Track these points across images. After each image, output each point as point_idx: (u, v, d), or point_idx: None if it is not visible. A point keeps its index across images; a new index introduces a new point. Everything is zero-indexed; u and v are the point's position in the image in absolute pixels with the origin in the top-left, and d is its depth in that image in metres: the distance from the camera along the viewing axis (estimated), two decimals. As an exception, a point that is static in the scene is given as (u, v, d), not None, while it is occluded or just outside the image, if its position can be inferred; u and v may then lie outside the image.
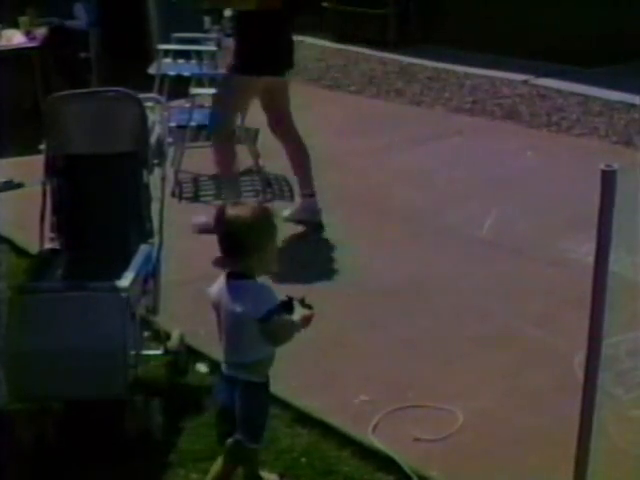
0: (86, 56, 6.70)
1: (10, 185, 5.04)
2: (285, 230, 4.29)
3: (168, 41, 6.39)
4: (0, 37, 6.65)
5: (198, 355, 3.33)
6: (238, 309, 2.34)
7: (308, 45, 9.47)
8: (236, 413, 2.39)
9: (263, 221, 2.41)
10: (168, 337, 3.35)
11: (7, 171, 5.28)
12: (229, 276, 2.40)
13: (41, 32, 6.77)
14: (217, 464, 2.54)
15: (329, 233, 4.59)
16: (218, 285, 2.43)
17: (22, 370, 2.83)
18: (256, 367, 2.41)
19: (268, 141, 5.31)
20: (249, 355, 2.40)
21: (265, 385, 2.46)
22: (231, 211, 2.38)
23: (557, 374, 3.15)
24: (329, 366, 3.31)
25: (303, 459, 2.81)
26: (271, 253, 2.42)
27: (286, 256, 3.36)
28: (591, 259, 2.21)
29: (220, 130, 4.55)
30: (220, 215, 2.40)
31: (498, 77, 7.75)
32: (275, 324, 2.33)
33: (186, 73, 6.10)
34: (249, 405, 2.40)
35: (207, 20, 6.52)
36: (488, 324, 3.58)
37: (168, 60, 6.42)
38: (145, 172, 3.26)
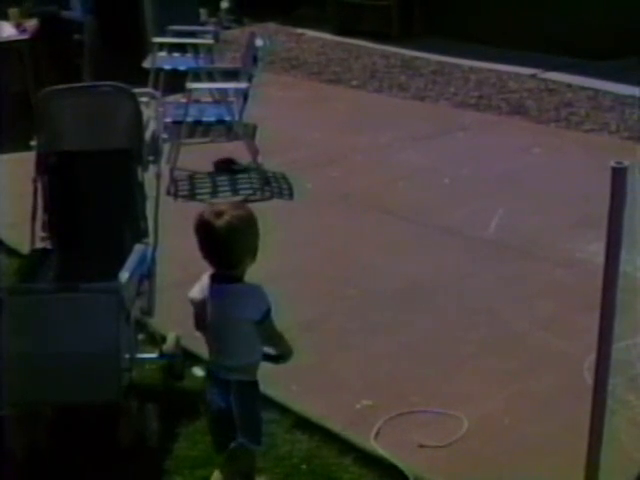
0: (80, 39, 6.58)
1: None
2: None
3: (163, 34, 6.31)
4: None
5: (194, 358, 3.29)
6: (237, 314, 2.29)
7: (308, 38, 9.44)
8: (234, 416, 2.35)
9: (250, 223, 2.30)
10: (163, 340, 3.32)
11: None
12: (215, 279, 2.31)
13: (32, 24, 6.59)
14: (216, 475, 2.47)
15: (330, 232, 4.52)
16: (201, 286, 2.34)
17: (12, 374, 2.76)
18: (247, 369, 2.39)
19: (267, 137, 5.25)
20: (244, 358, 2.37)
21: (256, 384, 2.44)
22: (218, 222, 2.21)
23: (566, 379, 3.11)
24: (330, 369, 3.27)
25: (303, 466, 2.78)
26: (256, 250, 2.32)
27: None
28: (601, 259, 2.18)
29: None
30: (205, 225, 2.23)
31: (505, 71, 7.71)
32: (271, 324, 2.32)
33: (182, 67, 6.03)
34: (246, 404, 2.37)
35: (204, 12, 6.45)
36: (494, 327, 3.55)
37: (163, 53, 6.37)
38: (140, 169, 3.23)
